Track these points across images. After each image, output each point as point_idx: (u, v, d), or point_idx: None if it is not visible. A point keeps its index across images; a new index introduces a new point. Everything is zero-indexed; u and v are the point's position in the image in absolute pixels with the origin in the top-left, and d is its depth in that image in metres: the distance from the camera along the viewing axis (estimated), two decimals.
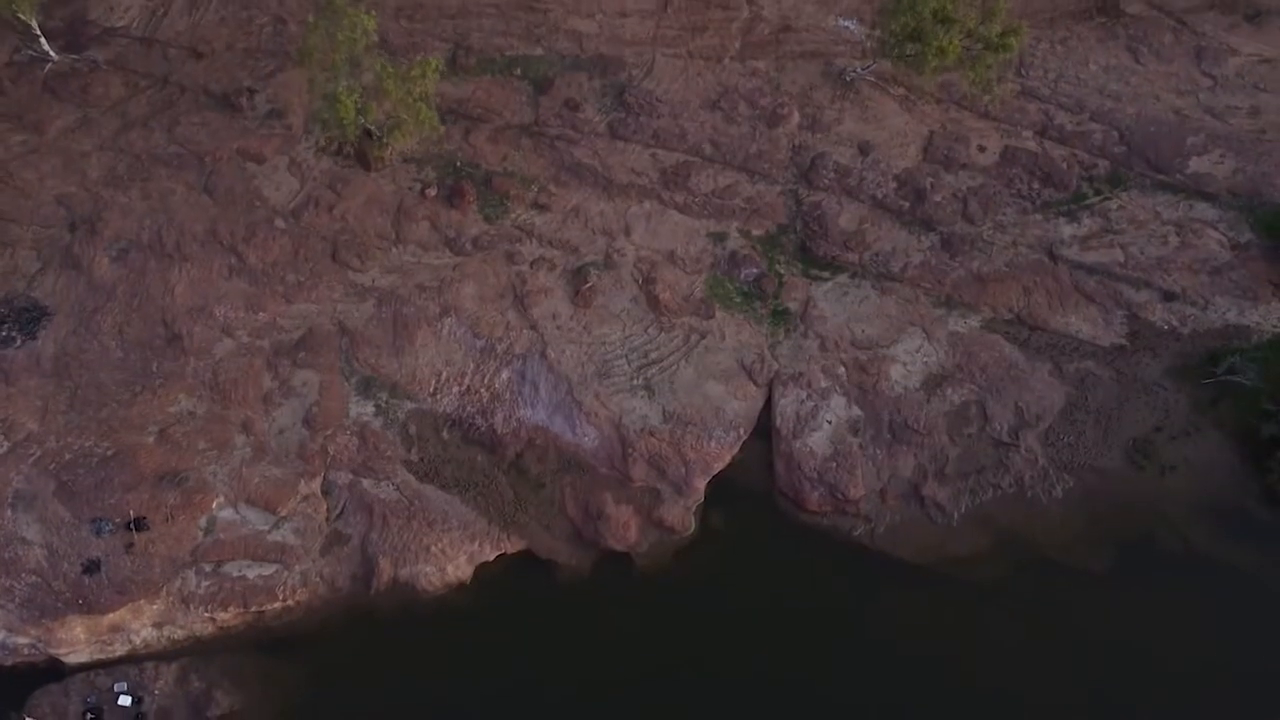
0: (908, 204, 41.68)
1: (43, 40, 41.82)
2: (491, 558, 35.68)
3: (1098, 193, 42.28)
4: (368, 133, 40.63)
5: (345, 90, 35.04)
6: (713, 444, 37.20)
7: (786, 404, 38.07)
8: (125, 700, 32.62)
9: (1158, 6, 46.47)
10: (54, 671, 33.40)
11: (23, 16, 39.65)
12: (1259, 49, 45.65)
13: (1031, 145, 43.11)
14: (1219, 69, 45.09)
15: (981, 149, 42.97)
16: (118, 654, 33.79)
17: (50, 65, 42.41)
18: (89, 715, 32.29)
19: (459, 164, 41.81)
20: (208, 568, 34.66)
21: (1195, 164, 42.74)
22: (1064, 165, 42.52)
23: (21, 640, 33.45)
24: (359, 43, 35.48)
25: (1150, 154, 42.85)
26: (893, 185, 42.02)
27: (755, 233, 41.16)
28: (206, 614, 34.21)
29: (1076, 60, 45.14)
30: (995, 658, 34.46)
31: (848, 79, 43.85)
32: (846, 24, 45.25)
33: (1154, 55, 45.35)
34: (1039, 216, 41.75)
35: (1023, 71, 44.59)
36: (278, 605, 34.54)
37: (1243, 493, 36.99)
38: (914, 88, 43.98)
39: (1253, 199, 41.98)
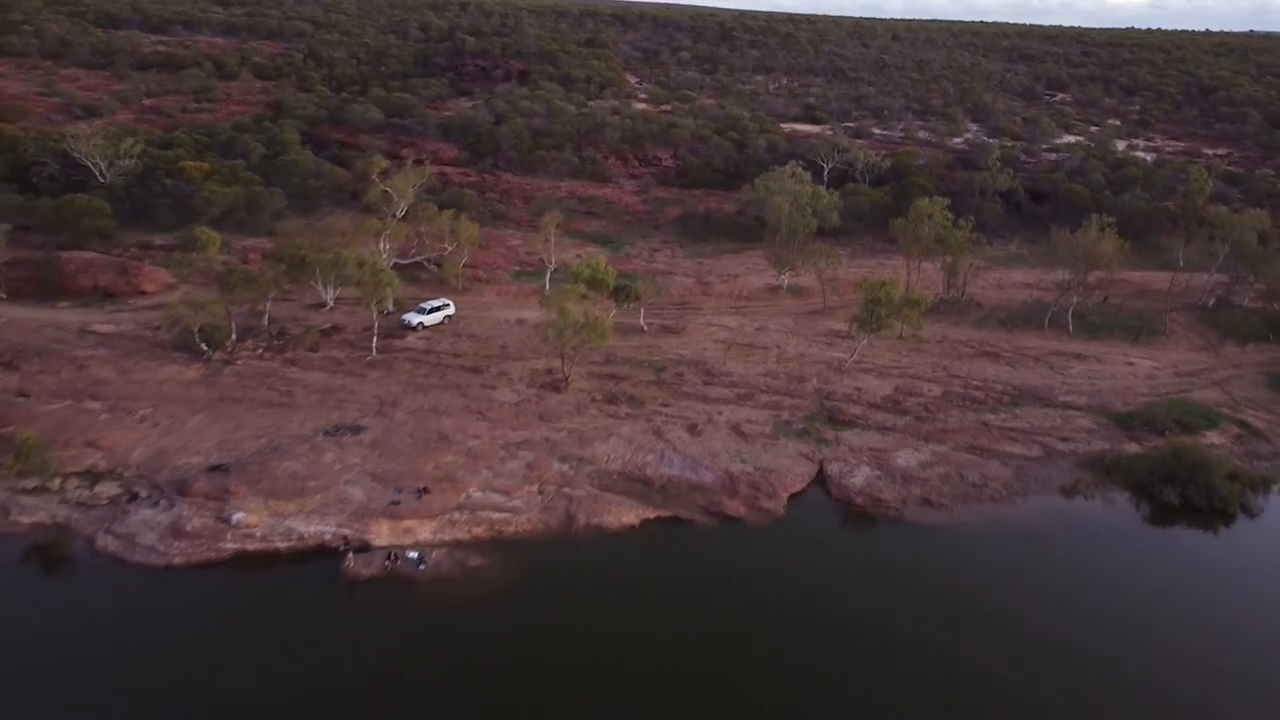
0: (890, 406, 67.66)
1: (374, 344, 72.46)
2: (651, 516, 53.61)
3: (1005, 407, 68.50)
4: (562, 377, 69.03)
5: (561, 315, 64.83)
6: (789, 479, 57.67)
7: (833, 467, 59.30)
8: (413, 554, 48.38)
9: (1021, 354, 78.23)
10: (364, 550, 49.38)
11: (377, 323, 71.19)
12: (1088, 367, 76.19)
13: (960, 390, 70.66)
14: (1065, 372, 75.00)
15: (930, 391, 70.45)
16: (406, 544, 50.02)
17: (370, 357, 72.19)
18: (390, 555, 47.88)
19: (614, 391, 68.77)
20: (466, 510, 52.65)
21: (1064, 398, 69.96)
22: (982, 396, 69.63)
23: (347, 531, 50.30)
24: (575, 292, 66.47)
25: (1034, 394, 70.26)
26: (879, 399, 68.51)
27: (798, 414, 66.33)
28: (465, 528, 51.29)
29: (978, 368, 75.22)
30: (986, 573, 50.87)
31: (844, 368, 73.29)
32: (839, 355, 76.36)
33: (1023, 367, 75.68)
34: (972, 414, 67.36)
35: (948, 369, 74.22)
36: (510, 529, 51.75)
37: (1139, 506, 57.07)
38: (883, 371, 73.24)
39: (1103, 410, 68.19)
